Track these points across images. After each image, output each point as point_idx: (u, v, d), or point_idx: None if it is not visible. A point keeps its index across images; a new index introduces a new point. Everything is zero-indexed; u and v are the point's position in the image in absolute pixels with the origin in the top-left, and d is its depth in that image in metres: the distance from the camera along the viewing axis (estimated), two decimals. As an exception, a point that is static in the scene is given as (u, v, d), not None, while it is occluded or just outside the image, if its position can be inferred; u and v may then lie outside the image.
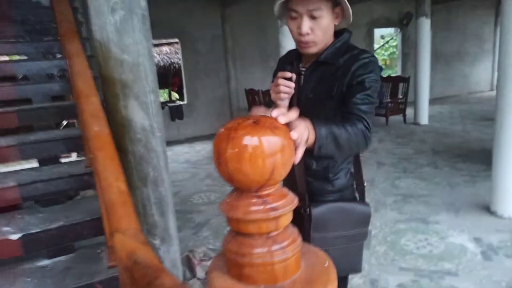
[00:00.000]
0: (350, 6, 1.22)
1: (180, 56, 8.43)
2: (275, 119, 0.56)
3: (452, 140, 6.17)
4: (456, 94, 11.17)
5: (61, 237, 1.75)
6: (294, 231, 0.59)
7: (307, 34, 1.21)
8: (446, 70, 10.71)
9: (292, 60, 1.39)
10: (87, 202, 2.02)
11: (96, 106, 1.40)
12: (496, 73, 10.80)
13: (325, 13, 1.20)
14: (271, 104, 1.34)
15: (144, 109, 1.75)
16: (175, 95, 10.48)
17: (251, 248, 0.55)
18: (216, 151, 0.55)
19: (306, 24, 1.20)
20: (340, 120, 1.16)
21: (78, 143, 2.20)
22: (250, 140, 0.51)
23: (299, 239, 0.58)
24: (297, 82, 1.31)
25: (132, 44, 1.68)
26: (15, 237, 1.61)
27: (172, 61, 9.55)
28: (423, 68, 7.35)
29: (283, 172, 0.56)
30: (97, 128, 1.31)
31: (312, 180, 1.35)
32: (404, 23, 9.81)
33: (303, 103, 1.30)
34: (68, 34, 1.77)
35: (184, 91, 8.47)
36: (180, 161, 6.42)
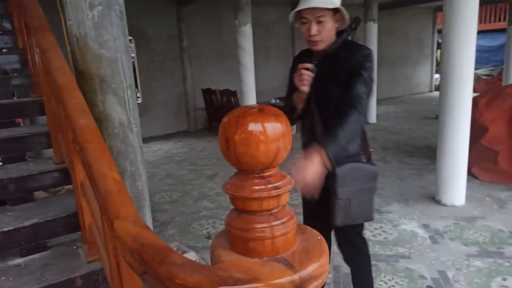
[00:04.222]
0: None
1: (134, 54, 8.23)
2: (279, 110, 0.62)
3: (399, 138, 6.65)
4: (400, 95, 11.96)
5: (35, 234, 1.71)
6: (290, 210, 0.68)
7: (315, 35, 1.59)
8: (391, 72, 11.43)
9: (303, 58, 1.76)
10: (59, 200, 1.98)
11: (80, 100, 1.41)
12: (435, 76, 11.58)
13: (328, 19, 1.57)
14: (291, 91, 1.74)
15: (121, 104, 1.76)
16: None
17: (254, 224, 0.62)
18: (224, 137, 0.60)
19: (314, 28, 1.57)
20: (338, 115, 1.53)
21: (40, 141, 2.15)
22: (256, 126, 0.57)
23: (295, 216, 0.67)
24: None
25: (110, 39, 1.69)
26: (-13, 235, 1.55)
27: (126, 59, 9.27)
28: (371, 70, 7.80)
29: (285, 155, 0.64)
30: (84, 121, 1.32)
31: None
32: (353, 27, 10.32)
33: (318, 89, 1.67)
34: (41, 28, 1.74)
35: (139, 90, 8.28)
36: (138, 161, 6.29)
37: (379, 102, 8.70)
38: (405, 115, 8.90)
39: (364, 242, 1.93)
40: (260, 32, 8.33)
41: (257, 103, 6.90)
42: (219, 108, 7.66)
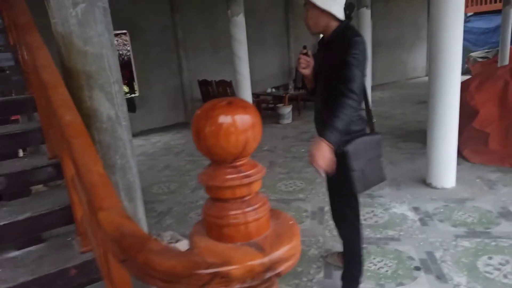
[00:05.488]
0: None
1: (129, 47, 8.23)
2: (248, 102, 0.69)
3: (393, 123, 6.69)
4: (396, 80, 11.96)
5: (30, 228, 1.77)
6: (264, 196, 0.74)
7: (305, 20, 1.97)
8: (386, 57, 11.41)
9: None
10: (52, 194, 2.05)
11: (66, 97, 1.46)
12: (430, 60, 11.34)
13: (311, 7, 1.89)
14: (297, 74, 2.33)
15: (109, 99, 1.81)
16: (125, 88, 10.21)
17: (228, 211, 0.67)
18: (195, 129, 0.65)
19: (304, 14, 1.96)
20: (334, 104, 1.80)
21: (35, 137, 2.21)
22: (225, 119, 0.62)
23: (268, 202, 0.72)
24: (318, 55, 2.05)
25: (95, 36, 1.73)
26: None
27: (121, 53, 9.27)
28: (366, 56, 7.80)
29: (254, 145, 0.69)
30: (70, 117, 1.37)
31: None
32: (347, 13, 10.27)
33: (321, 70, 2.00)
34: (27, 27, 1.78)
35: (136, 83, 8.30)
36: (136, 154, 6.35)
37: (374, 88, 8.72)
38: (399, 100, 8.93)
39: (356, 217, 2.18)
40: (254, 21, 8.30)
41: (253, 93, 6.93)
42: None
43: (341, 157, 1.82)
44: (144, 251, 0.75)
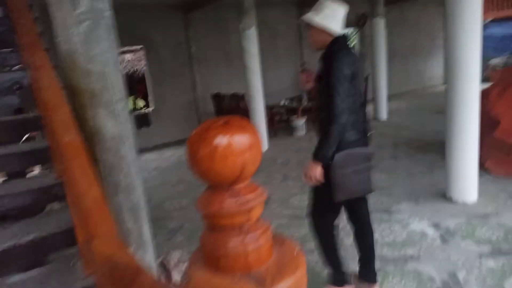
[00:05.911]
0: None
1: (144, 63, 8.34)
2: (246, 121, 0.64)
3: (410, 134, 6.52)
4: (412, 90, 11.73)
5: (33, 250, 1.73)
6: (265, 222, 0.66)
7: (308, 38, 2.19)
8: (402, 67, 11.23)
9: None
10: (58, 214, 2.01)
11: (66, 116, 1.43)
12: (447, 68, 11.12)
13: (312, 27, 2.09)
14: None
15: (113, 118, 1.77)
16: (140, 103, 10.32)
17: (225, 241, 0.61)
18: (189, 152, 0.60)
19: (307, 33, 2.18)
20: (324, 128, 2.01)
21: (44, 156, 2.19)
22: (220, 140, 0.57)
23: (270, 229, 0.65)
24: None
25: (99, 54, 1.70)
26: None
27: (136, 68, 9.40)
28: (380, 66, 7.69)
29: (253, 168, 0.62)
30: (68, 138, 1.33)
31: None
32: (360, 24, 10.22)
33: (319, 84, 2.10)
34: (32, 46, 1.77)
35: (150, 97, 8.38)
36: (150, 169, 6.36)
37: (390, 97, 8.55)
38: (417, 110, 8.72)
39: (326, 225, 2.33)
40: (266, 33, 8.31)
41: (266, 105, 6.89)
42: (228, 112, 7.70)
43: (327, 166, 2.03)
44: (135, 285, 0.69)
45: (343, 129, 1.97)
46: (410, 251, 2.82)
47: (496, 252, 2.68)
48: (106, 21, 1.74)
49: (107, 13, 1.73)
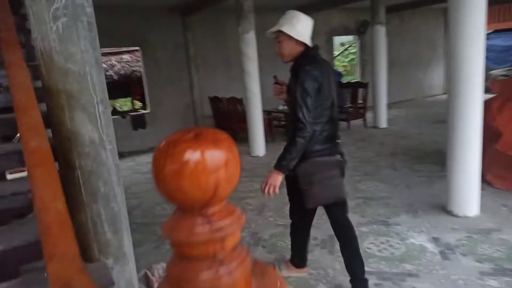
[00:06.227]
0: (309, 15, 2.15)
1: (141, 64, 8.23)
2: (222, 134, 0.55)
3: (409, 143, 6.40)
4: (412, 98, 11.65)
5: (2, 262, 1.60)
6: (243, 250, 0.55)
7: (277, 51, 2.21)
8: (402, 75, 11.15)
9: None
10: (33, 222, 1.88)
11: (35, 120, 1.30)
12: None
13: (284, 39, 2.13)
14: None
15: (92, 121, 1.65)
16: (138, 104, 10.21)
17: (196, 273, 0.51)
18: (154, 168, 0.50)
19: (276, 46, 2.20)
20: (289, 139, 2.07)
21: (14, 160, 2.06)
22: (190, 155, 0.47)
23: (249, 258, 0.54)
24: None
25: (77, 52, 1.58)
26: None
27: (134, 69, 9.28)
28: (380, 73, 7.59)
29: (229, 189, 0.51)
30: (35, 142, 1.21)
31: None
32: (361, 31, 10.14)
33: (291, 95, 2.10)
34: (8, 42, 1.65)
35: (147, 99, 8.26)
36: (143, 172, 6.23)
37: (389, 106, 8.44)
38: (416, 119, 8.62)
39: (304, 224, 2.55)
40: (265, 38, 8.20)
41: (264, 110, 6.77)
42: (226, 116, 7.59)
43: (293, 176, 2.11)
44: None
45: (307, 142, 2.01)
46: (408, 267, 2.68)
47: (499, 271, 2.54)
48: (87, 17, 1.62)
49: (88, 9, 1.62)
